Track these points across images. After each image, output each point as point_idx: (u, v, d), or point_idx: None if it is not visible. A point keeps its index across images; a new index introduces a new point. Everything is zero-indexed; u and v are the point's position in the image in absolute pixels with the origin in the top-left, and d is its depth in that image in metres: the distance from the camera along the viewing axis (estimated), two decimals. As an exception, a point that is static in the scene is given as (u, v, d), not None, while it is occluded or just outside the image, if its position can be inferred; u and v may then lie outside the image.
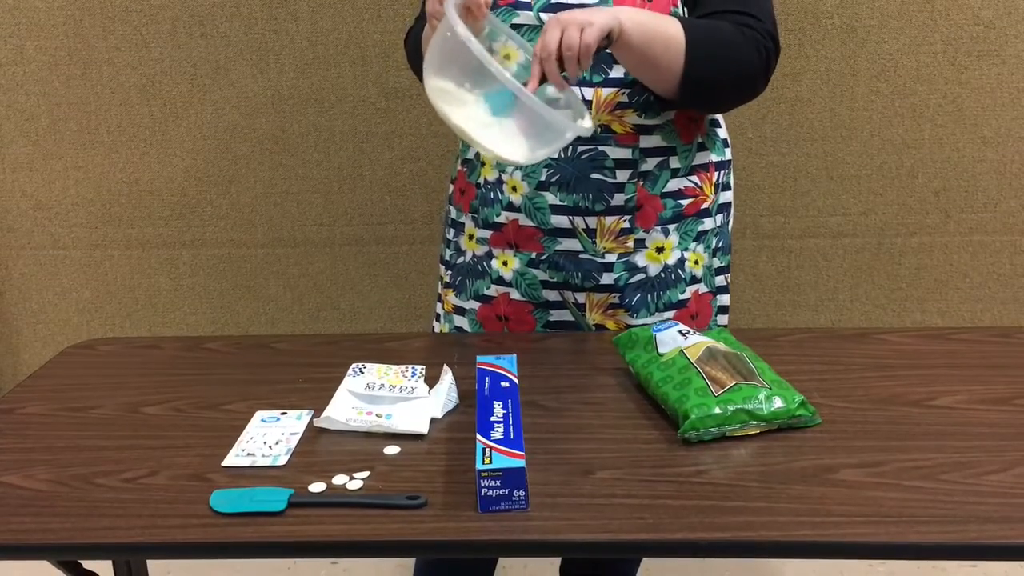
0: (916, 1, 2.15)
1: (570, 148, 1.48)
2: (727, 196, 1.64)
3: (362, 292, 2.21)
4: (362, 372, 1.38)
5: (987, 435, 1.23)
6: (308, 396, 1.35)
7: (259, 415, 1.31)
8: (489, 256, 1.58)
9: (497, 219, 1.55)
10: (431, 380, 1.38)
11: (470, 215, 1.61)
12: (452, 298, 1.65)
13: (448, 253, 1.67)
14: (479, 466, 1.06)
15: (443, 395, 1.31)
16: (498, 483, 1.05)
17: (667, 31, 1.36)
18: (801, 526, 1.04)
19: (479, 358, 1.37)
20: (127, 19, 2.25)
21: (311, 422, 1.29)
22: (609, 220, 1.52)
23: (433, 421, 1.28)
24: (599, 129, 1.47)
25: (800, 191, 2.30)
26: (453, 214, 1.66)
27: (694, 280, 1.60)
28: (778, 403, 1.22)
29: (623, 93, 1.47)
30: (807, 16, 2.18)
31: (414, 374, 1.38)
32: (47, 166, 2.36)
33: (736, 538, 1.03)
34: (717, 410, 1.20)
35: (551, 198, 1.51)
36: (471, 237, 1.61)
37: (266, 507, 1.09)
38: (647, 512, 1.06)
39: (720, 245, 1.64)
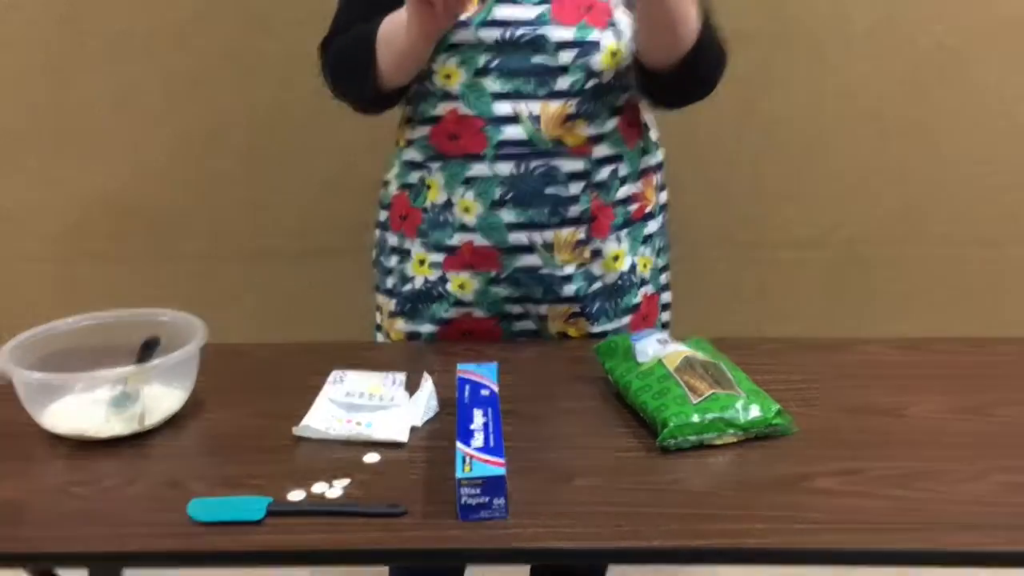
0: (881, 28, 2.21)
1: (523, 164, 1.47)
2: (664, 196, 1.66)
3: (341, 302, 2.20)
4: (342, 380, 1.38)
5: (960, 444, 1.23)
6: (288, 404, 1.34)
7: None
8: (443, 280, 1.56)
9: (450, 242, 1.54)
10: (412, 388, 1.37)
11: (418, 240, 1.57)
12: (402, 325, 1.62)
13: (390, 282, 1.63)
14: (459, 474, 1.06)
15: (423, 403, 1.30)
16: (478, 491, 1.05)
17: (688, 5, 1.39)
18: (777, 533, 1.05)
19: (460, 366, 1.37)
20: (101, 32, 2.24)
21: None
22: (565, 233, 1.52)
23: (413, 429, 1.27)
24: (551, 143, 1.47)
25: (772, 203, 2.34)
26: (394, 241, 1.62)
27: (643, 283, 1.61)
28: (755, 412, 1.23)
29: (570, 105, 1.47)
30: (778, 39, 2.22)
31: (394, 382, 1.38)
32: (15, 178, 2.34)
33: (713, 545, 1.04)
34: (695, 418, 1.21)
35: (507, 216, 1.50)
36: (421, 263, 1.58)
37: (244, 516, 1.08)
38: (625, 520, 1.07)
39: (662, 245, 1.67)
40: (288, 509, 1.09)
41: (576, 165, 1.49)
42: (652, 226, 1.62)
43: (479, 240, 1.52)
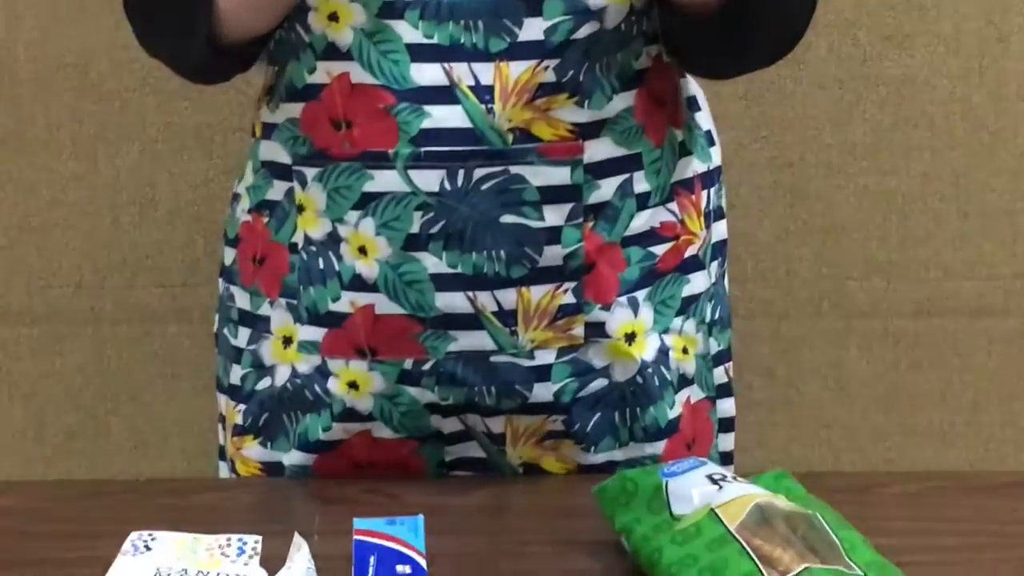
0: None
1: (461, 173, 1.25)
2: (721, 230, 1.44)
3: (148, 400, 1.98)
4: (148, 548, 1.11)
5: None
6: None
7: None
8: (323, 374, 1.31)
9: (334, 306, 1.29)
10: (271, 561, 1.09)
11: (281, 302, 1.34)
12: (254, 451, 1.39)
13: (236, 374, 1.40)
14: None
15: None
16: None
17: None
18: None
19: (356, 523, 1.11)
20: None
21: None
22: (538, 292, 1.27)
23: None
24: (512, 136, 1.24)
25: (913, 235, 2.09)
26: (243, 302, 1.40)
27: (684, 382, 1.36)
28: (882, 604, 1.03)
29: (546, 68, 1.23)
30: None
31: (241, 551, 1.12)
32: None
33: None
34: None
35: (432, 263, 1.25)
36: (286, 342, 1.34)
37: None
38: None
39: (718, 316, 1.43)
40: None
41: (557, 175, 1.26)
42: (698, 282, 1.37)
43: (384, 304, 1.26)
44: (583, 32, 1.23)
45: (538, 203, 1.27)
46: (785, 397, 2.09)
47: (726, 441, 1.48)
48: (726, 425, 1.48)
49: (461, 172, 1.24)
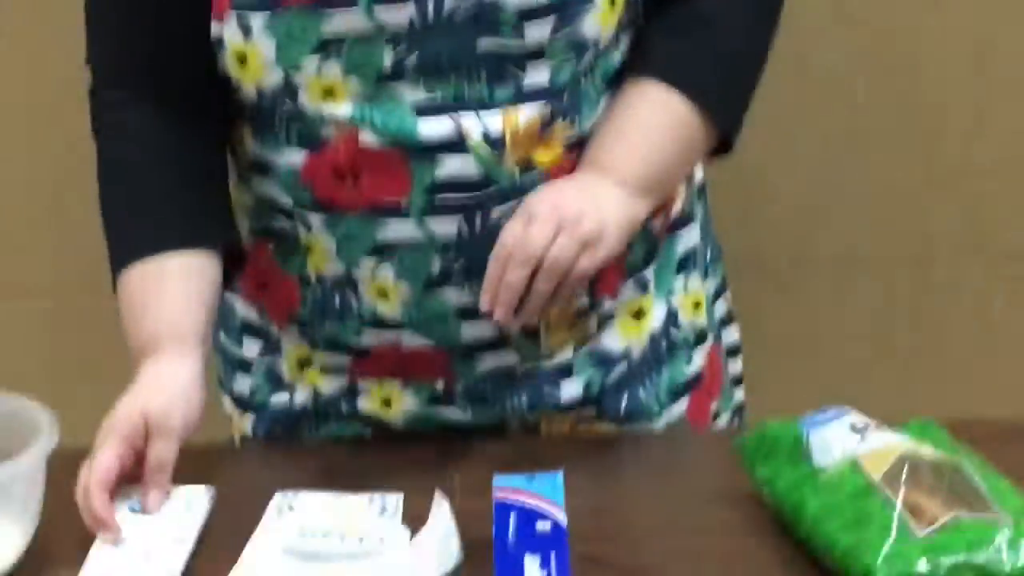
0: None
1: (477, 216, 1.22)
2: (699, 175, 1.44)
3: None
4: (291, 508, 1.15)
5: None
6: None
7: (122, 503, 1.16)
8: (352, 392, 1.32)
9: (356, 339, 1.30)
10: (414, 520, 1.12)
11: (293, 329, 1.33)
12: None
13: (244, 383, 1.40)
14: None
15: (435, 548, 1.08)
16: None
17: (672, 133, 1.25)
18: None
19: (496, 480, 1.12)
20: None
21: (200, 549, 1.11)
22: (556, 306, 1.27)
23: None
24: (518, 169, 1.23)
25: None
26: (246, 313, 1.38)
27: (701, 337, 1.38)
28: (1033, 551, 1.03)
29: (551, 106, 1.23)
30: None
31: (383, 509, 1.15)
32: None
33: None
34: (923, 565, 0.98)
35: (455, 297, 1.24)
36: (302, 363, 1.34)
37: None
38: None
39: (711, 257, 1.42)
40: None
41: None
42: (691, 235, 1.37)
43: (411, 339, 1.25)
44: (584, 64, 1.22)
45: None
46: (930, 344, 2.07)
47: (734, 366, 1.49)
48: (732, 351, 1.49)
49: (478, 217, 1.23)
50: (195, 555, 1.17)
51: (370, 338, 1.27)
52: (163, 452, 1.15)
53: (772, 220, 1.95)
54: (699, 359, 1.39)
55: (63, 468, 1.16)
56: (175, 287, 1.22)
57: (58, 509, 1.17)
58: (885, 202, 2.10)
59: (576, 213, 1.15)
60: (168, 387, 1.18)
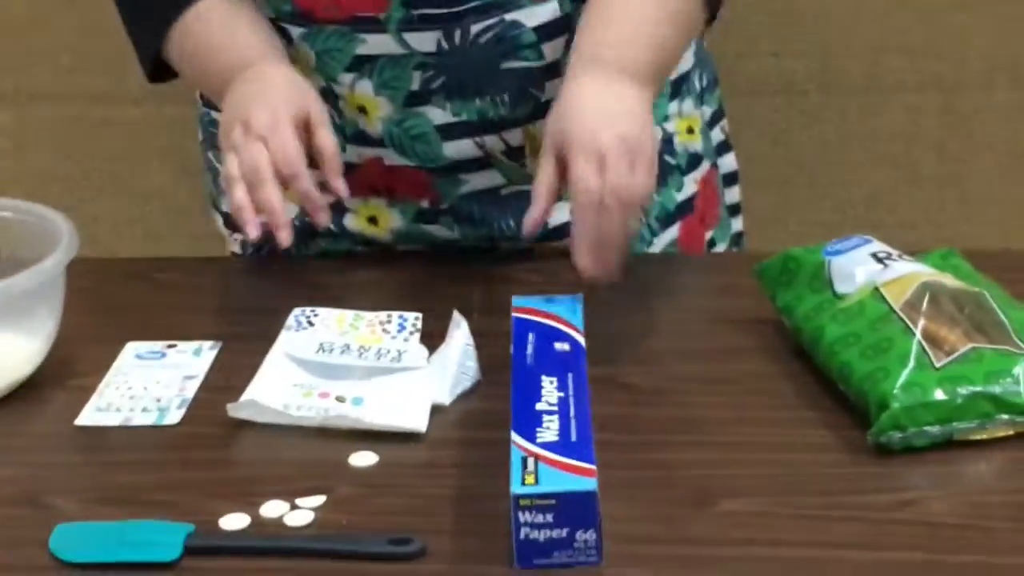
0: None
1: (457, 28, 1.25)
2: None
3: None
4: (311, 324, 1.18)
5: None
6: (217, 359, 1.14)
7: (131, 348, 1.18)
8: (339, 211, 1.34)
9: (342, 157, 1.33)
10: (432, 338, 1.14)
11: None
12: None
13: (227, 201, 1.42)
14: (516, 489, 0.90)
15: (453, 365, 1.12)
16: (550, 518, 0.90)
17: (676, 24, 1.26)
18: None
19: (515, 300, 1.13)
20: None
21: (218, 360, 1.14)
22: (542, 127, 1.28)
23: (436, 410, 1.09)
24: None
25: None
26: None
27: (695, 161, 1.38)
28: (1052, 382, 1.03)
29: None
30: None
31: (401, 327, 1.17)
32: None
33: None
34: (939, 394, 1.00)
35: (436, 115, 1.27)
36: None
37: (146, 554, 0.90)
38: (810, 571, 0.90)
39: (707, 83, 1.43)
40: (221, 544, 0.93)
41: (547, 12, 1.26)
42: (684, 60, 1.38)
43: (392, 157, 1.28)
44: None
45: (536, 44, 1.29)
46: (955, 173, 2.05)
47: (732, 194, 1.50)
48: (730, 179, 1.50)
49: (458, 31, 1.24)
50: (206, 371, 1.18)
51: (353, 155, 1.29)
52: (331, 138, 1.19)
53: (800, 44, 1.92)
54: (691, 185, 1.40)
55: (83, 275, 1.18)
56: (252, 16, 1.28)
57: (79, 317, 1.19)
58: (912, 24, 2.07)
59: (636, 139, 1.14)
60: (300, 81, 1.22)
